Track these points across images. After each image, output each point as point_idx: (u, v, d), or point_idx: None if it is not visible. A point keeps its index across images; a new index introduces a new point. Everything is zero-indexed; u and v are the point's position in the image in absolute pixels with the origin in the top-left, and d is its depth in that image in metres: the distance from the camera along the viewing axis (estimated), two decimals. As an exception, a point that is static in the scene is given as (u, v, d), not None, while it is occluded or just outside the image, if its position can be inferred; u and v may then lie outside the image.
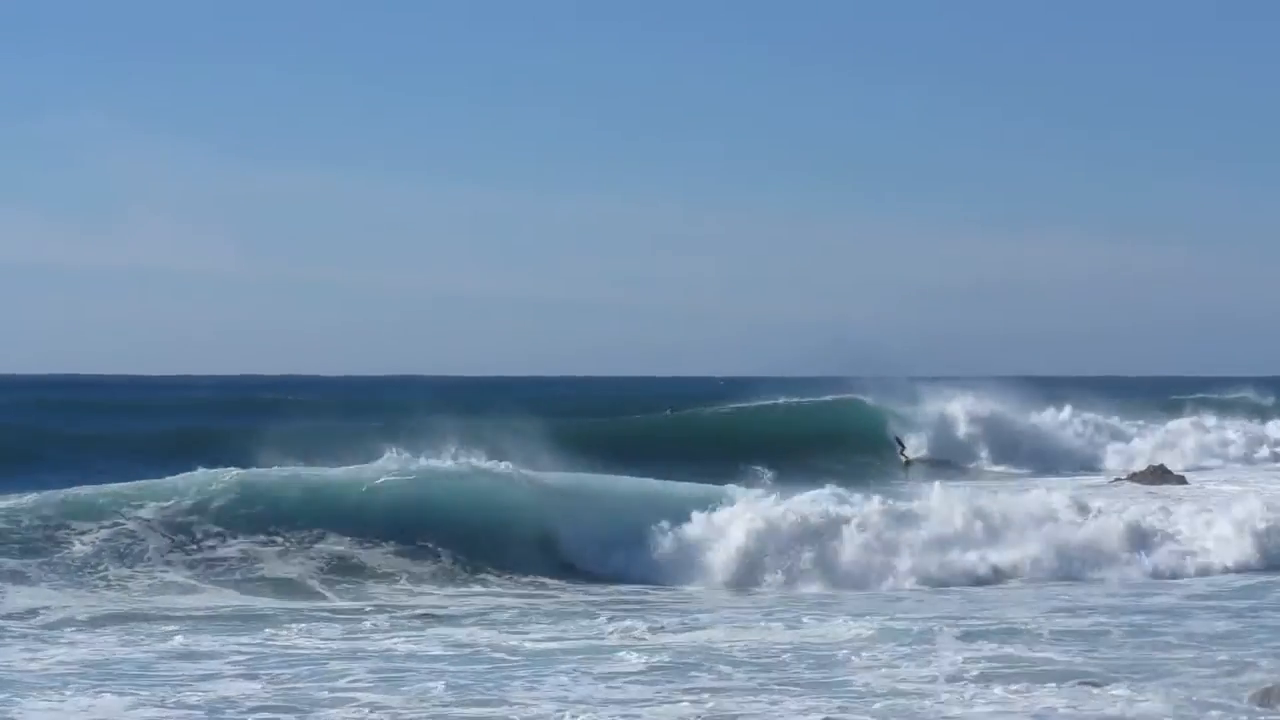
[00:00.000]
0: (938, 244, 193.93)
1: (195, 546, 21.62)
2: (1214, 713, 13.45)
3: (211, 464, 23.46)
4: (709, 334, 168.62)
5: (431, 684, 14.47)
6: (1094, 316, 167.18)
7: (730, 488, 24.52)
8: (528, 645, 16.65)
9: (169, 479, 23.01)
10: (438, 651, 16.35)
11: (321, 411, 55.39)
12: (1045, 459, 46.45)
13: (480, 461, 24.17)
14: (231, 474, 23.01)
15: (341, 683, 14.61)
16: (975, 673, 14.97)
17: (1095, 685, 14.39)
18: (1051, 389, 75.90)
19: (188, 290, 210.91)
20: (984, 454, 46.48)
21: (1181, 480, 40.45)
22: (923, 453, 45.21)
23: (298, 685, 14.50)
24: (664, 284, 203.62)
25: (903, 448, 44.74)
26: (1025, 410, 49.79)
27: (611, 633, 17.53)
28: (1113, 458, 47.62)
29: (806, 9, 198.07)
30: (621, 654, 15.98)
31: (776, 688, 14.42)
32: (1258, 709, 13.80)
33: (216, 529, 22.01)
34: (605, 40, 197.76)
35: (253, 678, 14.84)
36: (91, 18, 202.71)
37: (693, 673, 15.11)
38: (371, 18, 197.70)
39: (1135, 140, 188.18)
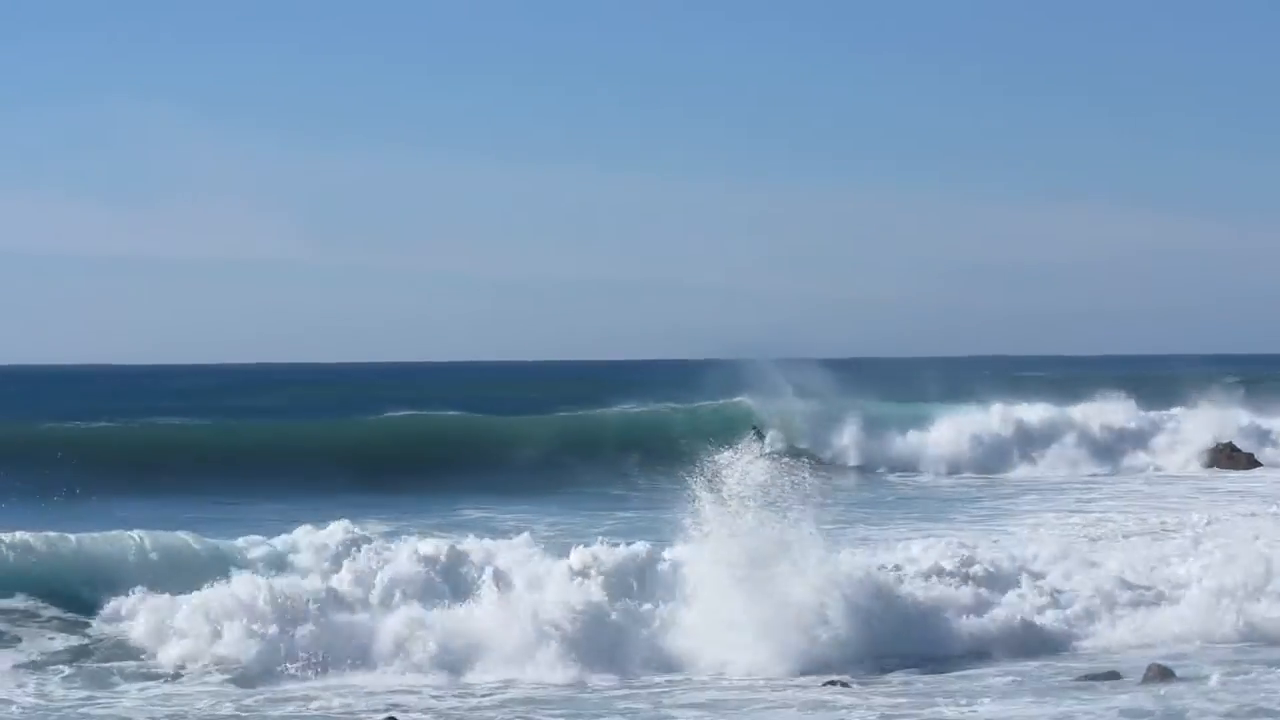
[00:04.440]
0: (978, 222, 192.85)
1: None
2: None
3: None
4: (749, 316, 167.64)
5: None
6: (1135, 294, 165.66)
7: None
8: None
9: None
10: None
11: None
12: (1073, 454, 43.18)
13: None
14: None
15: None
16: None
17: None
18: (1078, 369, 74.15)
19: (253, 279, 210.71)
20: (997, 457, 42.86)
21: (1252, 462, 37.78)
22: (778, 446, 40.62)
23: None
24: (703, 264, 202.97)
25: (760, 439, 40.11)
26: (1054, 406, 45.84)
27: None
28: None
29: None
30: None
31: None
32: None
33: None
34: (659, 25, 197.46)
35: None
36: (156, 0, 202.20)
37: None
38: (440, 1, 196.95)
39: (1180, 116, 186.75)
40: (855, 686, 15.98)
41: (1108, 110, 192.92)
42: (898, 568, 19.15)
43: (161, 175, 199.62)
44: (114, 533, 19.19)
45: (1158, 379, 51.76)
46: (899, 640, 17.58)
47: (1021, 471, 41.50)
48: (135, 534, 18.94)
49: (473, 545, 18.95)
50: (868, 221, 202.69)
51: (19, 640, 17.26)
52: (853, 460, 41.54)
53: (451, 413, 46.00)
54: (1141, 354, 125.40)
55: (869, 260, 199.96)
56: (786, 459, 38.18)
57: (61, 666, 16.58)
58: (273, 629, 16.79)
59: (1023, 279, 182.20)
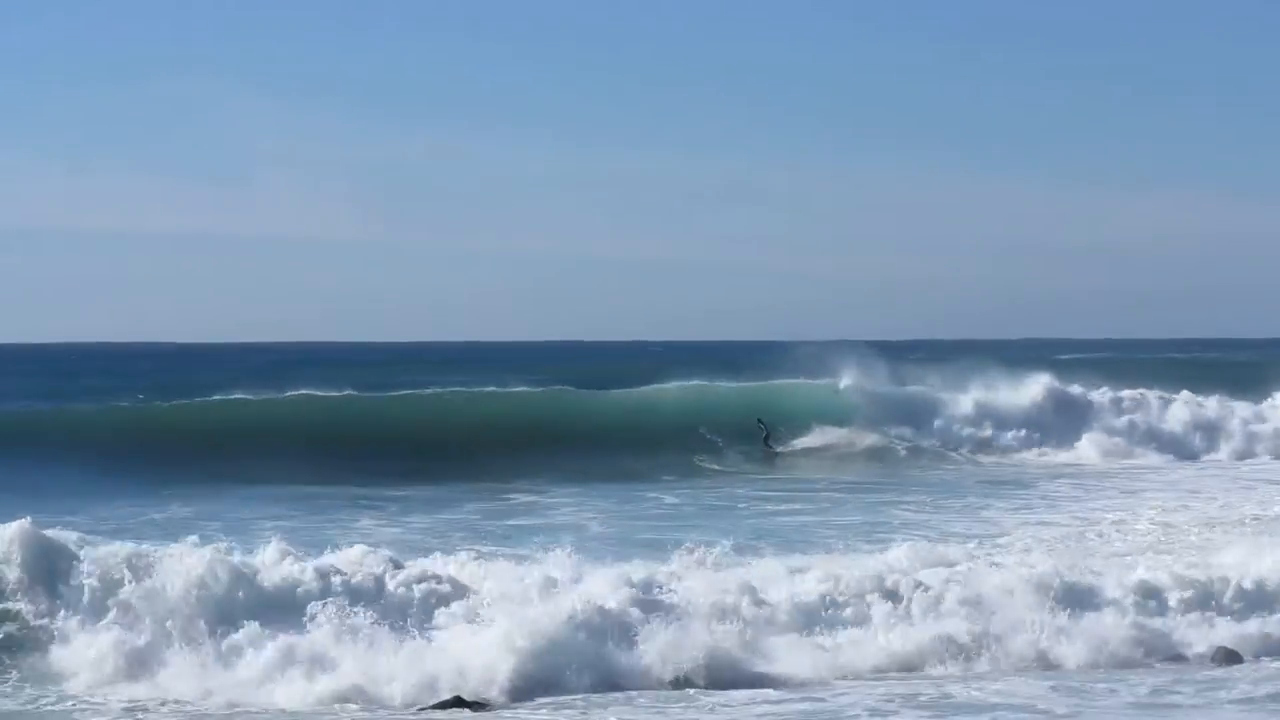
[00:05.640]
0: (1040, 204, 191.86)
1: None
2: None
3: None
4: (817, 293, 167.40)
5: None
6: (1202, 277, 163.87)
7: None
8: None
9: None
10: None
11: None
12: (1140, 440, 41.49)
13: None
14: None
15: None
16: None
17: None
18: (1134, 353, 72.83)
19: (316, 257, 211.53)
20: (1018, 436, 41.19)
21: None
22: (798, 443, 38.96)
23: None
24: (757, 245, 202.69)
25: (767, 434, 38.53)
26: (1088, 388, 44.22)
27: None
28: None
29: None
30: None
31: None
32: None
33: None
34: (718, 11, 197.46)
35: None
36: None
37: None
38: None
39: (1241, 99, 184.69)
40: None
41: (1164, 95, 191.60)
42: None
43: (226, 154, 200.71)
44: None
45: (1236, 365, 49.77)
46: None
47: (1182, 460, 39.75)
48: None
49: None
50: (919, 203, 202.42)
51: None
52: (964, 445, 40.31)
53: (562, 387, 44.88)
54: (1192, 338, 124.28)
55: (917, 241, 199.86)
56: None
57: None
58: None
59: (1076, 261, 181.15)
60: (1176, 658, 15.91)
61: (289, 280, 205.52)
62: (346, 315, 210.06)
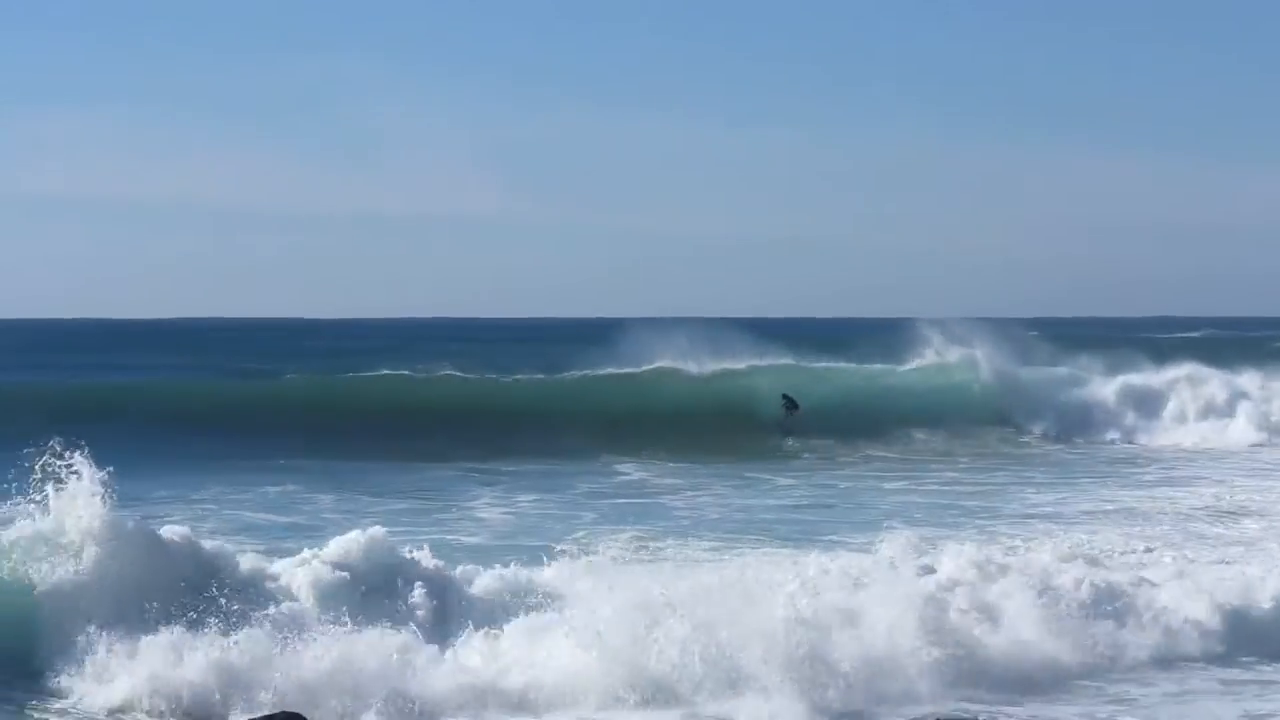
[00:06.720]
0: (1125, 181, 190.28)
1: None
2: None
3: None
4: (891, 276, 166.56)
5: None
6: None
7: None
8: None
9: None
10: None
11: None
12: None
13: None
14: None
15: None
16: None
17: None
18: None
19: (460, 235, 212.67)
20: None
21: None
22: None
23: None
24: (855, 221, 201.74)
25: (793, 406, 37.23)
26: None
27: None
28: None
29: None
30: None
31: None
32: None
33: None
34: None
35: None
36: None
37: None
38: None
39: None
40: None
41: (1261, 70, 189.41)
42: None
43: (366, 131, 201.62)
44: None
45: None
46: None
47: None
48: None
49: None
50: (1013, 180, 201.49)
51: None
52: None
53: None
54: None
55: (1013, 219, 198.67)
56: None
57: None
58: None
59: (1172, 239, 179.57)
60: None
61: (428, 258, 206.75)
62: (484, 292, 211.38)
